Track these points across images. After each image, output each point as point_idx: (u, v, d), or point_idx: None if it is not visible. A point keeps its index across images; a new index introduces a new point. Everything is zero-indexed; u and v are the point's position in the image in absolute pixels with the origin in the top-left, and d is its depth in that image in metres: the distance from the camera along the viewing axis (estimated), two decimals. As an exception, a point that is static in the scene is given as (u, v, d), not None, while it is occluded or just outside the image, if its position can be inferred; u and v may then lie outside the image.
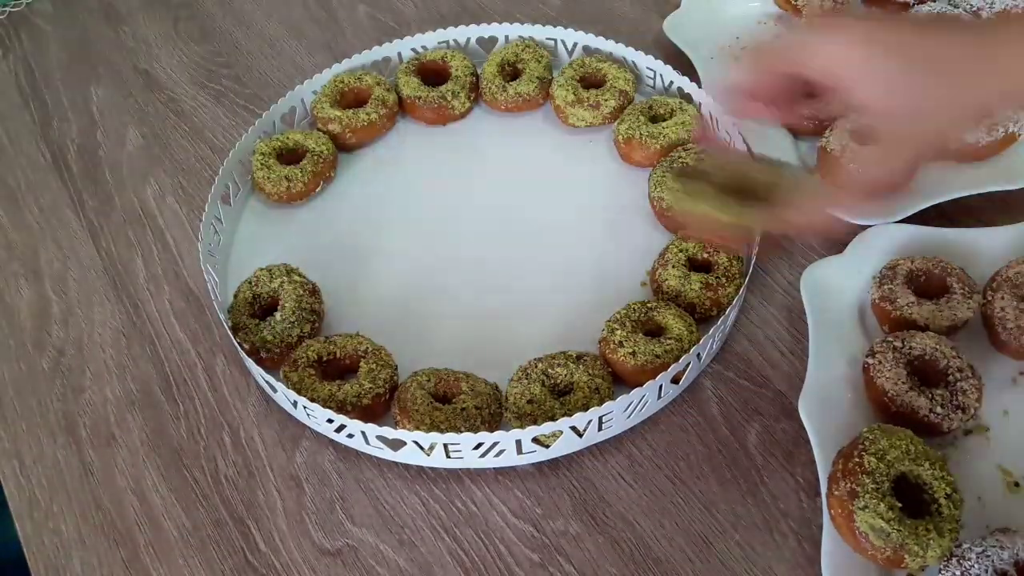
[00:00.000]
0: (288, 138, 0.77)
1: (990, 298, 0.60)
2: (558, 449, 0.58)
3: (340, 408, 0.59)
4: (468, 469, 0.60)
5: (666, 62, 0.80)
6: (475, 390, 0.60)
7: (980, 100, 0.51)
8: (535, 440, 0.57)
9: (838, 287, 0.64)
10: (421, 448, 0.58)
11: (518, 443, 0.57)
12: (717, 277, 0.64)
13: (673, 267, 0.64)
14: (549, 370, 0.60)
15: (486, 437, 0.56)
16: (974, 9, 0.83)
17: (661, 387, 0.59)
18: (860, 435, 0.53)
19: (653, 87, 0.82)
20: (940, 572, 0.49)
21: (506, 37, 0.86)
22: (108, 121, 0.88)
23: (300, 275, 0.67)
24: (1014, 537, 0.49)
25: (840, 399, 0.58)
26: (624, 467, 0.59)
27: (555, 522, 0.57)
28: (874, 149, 0.56)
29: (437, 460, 0.59)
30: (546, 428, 0.55)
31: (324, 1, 1.00)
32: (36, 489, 0.62)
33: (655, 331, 0.62)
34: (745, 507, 0.56)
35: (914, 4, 0.85)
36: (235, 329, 0.64)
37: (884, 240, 0.65)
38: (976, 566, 0.47)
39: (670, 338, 0.61)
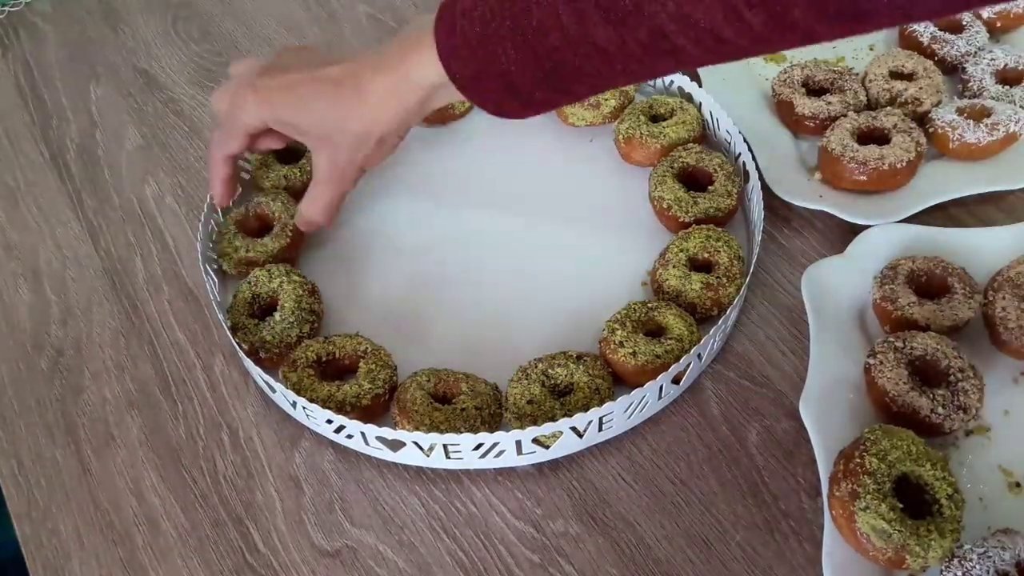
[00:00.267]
0: (288, 138, 0.77)
1: (991, 298, 0.60)
2: (558, 450, 0.58)
3: (339, 408, 0.59)
4: (468, 470, 0.59)
5: (666, 62, 0.79)
6: (475, 390, 0.60)
7: (363, 127, 0.59)
8: (535, 441, 0.57)
9: (839, 287, 0.64)
10: (421, 449, 0.57)
11: (518, 443, 0.57)
12: (718, 277, 0.63)
13: (673, 267, 0.64)
14: (549, 370, 0.60)
15: (486, 438, 0.55)
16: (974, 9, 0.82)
17: (662, 387, 0.59)
18: (861, 435, 0.53)
19: (653, 87, 0.82)
20: (941, 573, 0.49)
21: (506, 37, 0.86)
22: (107, 121, 0.88)
23: (299, 275, 0.67)
24: (1015, 538, 0.49)
25: (841, 399, 0.58)
26: (624, 467, 0.59)
27: (555, 523, 0.57)
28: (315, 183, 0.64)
29: (437, 461, 0.58)
30: (546, 428, 0.55)
31: (324, 1, 1.00)
32: (35, 489, 0.62)
33: (656, 331, 0.62)
34: (746, 507, 0.56)
35: (915, 4, 0.85)
36: (234, 329, 0.64)
37: (885, 240, 0.65)
38: (977, 567, 0.47)
39: (670, 338, 0.61)
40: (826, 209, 0.69)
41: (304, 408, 0.59)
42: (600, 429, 0.58)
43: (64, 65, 0.95)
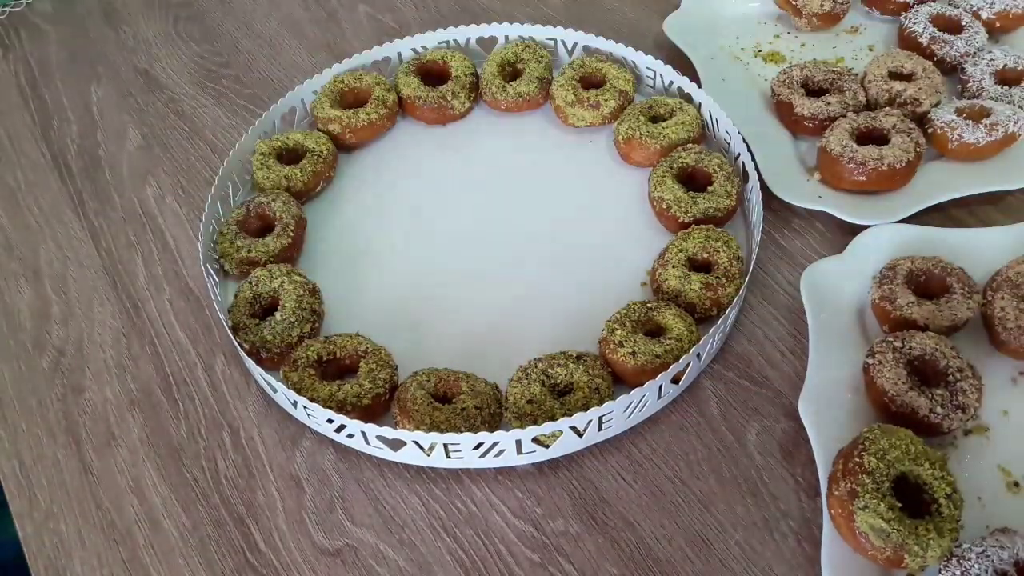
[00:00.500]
0: (288, 138, 0.77)
1: (990, 298, 0.60)
2: (558, 449, 0.58)
3: (340, 408, 0.59)
4: (468, 469, 0.60)
5: (666, 62, 0.80)
6: (475, 390, 0.60)
7: None
8: (535, 440, 0.57)
9: (838, 287, 0.64)
10: (421, 448, 0.58)
11: (518, 443, 0.57)
12: (717, 277, 0.64)
13: (673, 267, 0.64)
14: (549, 370, 0.60)
15: (486, 437, 0.56)
16: (974, 9, 0.83)
17: (661, 387, 0.59)
18: (860, 435, 0.53)
19: (653, 87, 0.82)
20: (940, 572, 0.49)
21: (506, 37, 0.86)
22: (108, 121, 0.88)
23: (300, 275, 0.67)
24: (1014, 537, 0.49)
25: (840, 399, 0.58)
26: (624, 467, 0.59)
27: (555, 522, 0.57)
28: None
29: (437, 460, 0.59)
30: (546, 428, 0.55)
31: (324, 1, 1.00)
32: (36, 489, 0.62)
33: (655, 331, 0.62)
34: (745, 507, 0.56)
35: (914, 4, 0.85)
36: (235, 329, 0.64)
37: (884, 240, 0.65)
38: (976, 566, 0.47)
39: (670, 338, 0.61)
40: (825, 209, 0.69)
41: (305, 408, 0.59)
42: (600, 429, 0.58)
43: (65, 65, 0.95)
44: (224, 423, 0.64)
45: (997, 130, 0.69)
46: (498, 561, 0.56)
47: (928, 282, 0.62)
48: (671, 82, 0.79)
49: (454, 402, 0.59)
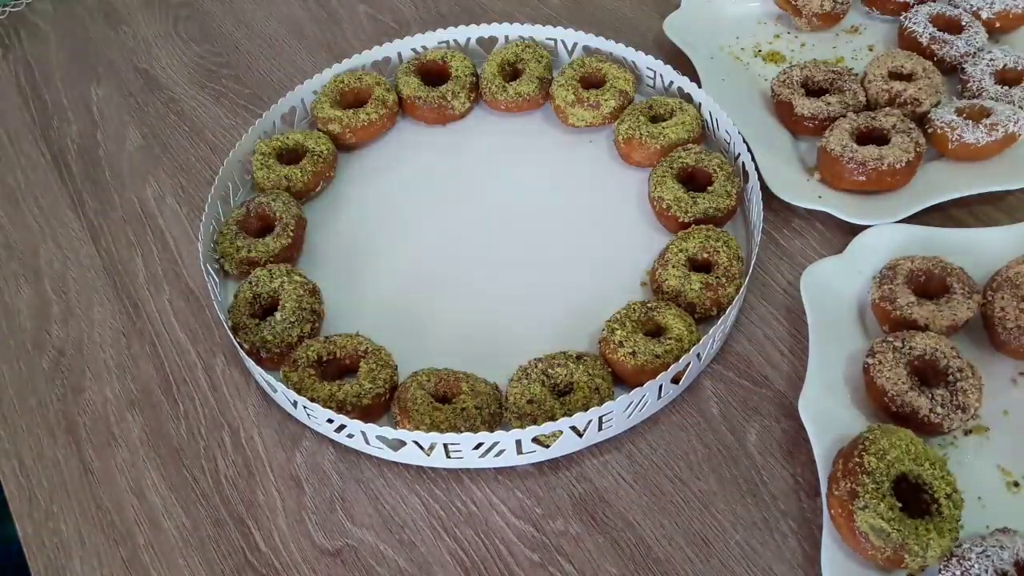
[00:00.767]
0: (288, 138, 0.77)
1: (990, 298, 0.60)
2: (558, 449, 0.58)
3: (340, 408, 0.59)
4: (468, 469, 0.60)
5: (666, 62, 0.80)
6: (475, 390, 0.60)
7: None
8: (535, 440, 0.57)
9: (838, 287, 0.64)
10: (421, 448, 0.58)
11: (518, 443, 0.57)
12: (717, 277, 0.64)
13: (673, 267, 0.64)
14: (549, 370, 0.60)
15: (486, 437, 0.56)
16: (974, 9, 0.83)
17: (661, 387, 0.59)
18: (860, 435, 0.53)
19: (653, 87, 0.82)
20: (940, 572, 0.49)
21: (506, 37, 0.86)
22: (108, 121, 0.88)
23: (300, 275, 0.67)
24: (1014, 537, 0.49)
25: (840, 399, 0.58)
26: (624, 467, 0.59)
27: (555, 522, 0.57)
28: None
29: (437, 460, 0.59)
30: (546, 428, 0.55)
31: (324, 1, 1.00)
32: (36, 489, 0.62)
33: (655, 331, 0.62)
34: (745, 507, 0.56)
35: (914, 4, 0.85)
36: (235, 329, 0.64)
37: (884, 240, 0.65)
38: (976, 566, 0.47)
39: (670, 338, 0.61)
40: (825, 209, 0.69)
41: (305, 408, 0.59)
42: (600, 428, 0.58)
43: (65, 65, 0.95)
44: (224, 423, 0.64)
45: (997, 130, 0.69)
46: (498, 561, 0.56)
47: (928, 282, 0.62)
48: (671, 82, 0.79)
49: (454, 402, 0.59)
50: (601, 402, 0.58)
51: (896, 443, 0.51)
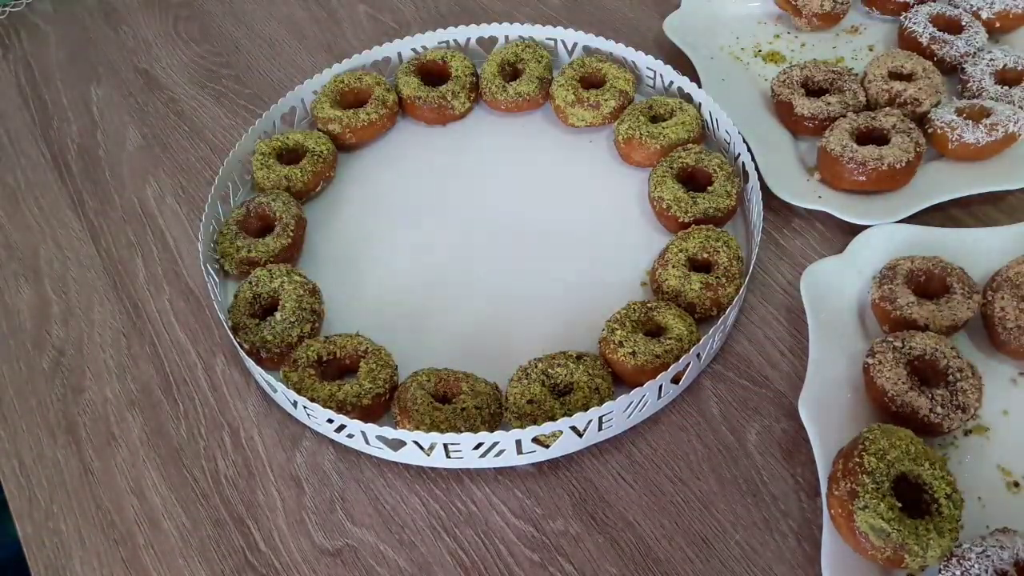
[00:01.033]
0: (288, 138, 0.77)
1: (990, 298, 0.60)
2: (558, 449, 0.58)
3: (340, 408, 0.59)
4: (468, 469, 0.60)
5: (666, 62, 0.80)
6: (475, 390, 0.60)
7: None
8: (535, 440, 0.57)
9: (838, 287, 0.64)
10: (421, 448, 0.58)
11: (518, 443, 0.57)
12: (717, 277, 0.64)
13: (673, 267, 0.64)
14: (549, 370, 0.60)
15: (486, 437, 0.56)
16: (974, 9, 0.83)
17: (661, 387, 0.59)
18: (860, 435, 0.53)
19: (653, 87, 0.82)
20: (940, 572, 0.49)
21: (506, 37, 0.86)
22: (108, 121, 0.88)
23: (300, 275, 0.67)
24: (1014, 537, 0.49)
25: (840, 399, 0.58)
26: (624, 467, 0.59)
27: (555, 522, 0.57)
28: None
29: (437, 460, 0.59)
30: (546, 428, 0.55)
31: (324, 1, 1.00)
32: (36, 489, 0.62)
33: (655, 331, 0.62)
34: (745, 507, 0.56)
35: (914, 4, 0.85)
36: (235, 329, 0.64)
37: (884, 240, 0.65)
38: (976, 566, 0.47)
39: (670, 338, 0.61)
40: (825, 209, 0.69)
41: (305, 408, 0.59)
42: (600, 428, 0.58)
43: (65, 65, 0.95)
44: (224, 423, 0.64)
45: (997, 130, 0.69)
46: (498, 561, 0.56)
47: (928, 282, 0.62)
48: (671, 82, 0.79)
49: (454, 402, 0.59)
50: (601, 402, 0.58)
51: (896, 443, 0.51)
